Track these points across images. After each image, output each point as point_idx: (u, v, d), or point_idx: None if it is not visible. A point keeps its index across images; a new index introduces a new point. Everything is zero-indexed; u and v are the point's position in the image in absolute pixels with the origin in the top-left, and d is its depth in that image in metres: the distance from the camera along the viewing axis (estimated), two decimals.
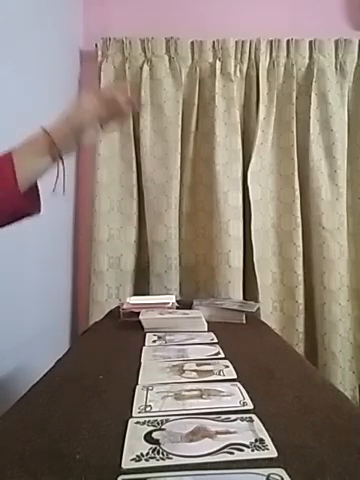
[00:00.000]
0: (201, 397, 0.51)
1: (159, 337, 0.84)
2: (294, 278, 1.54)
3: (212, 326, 0.91)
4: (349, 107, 1.61)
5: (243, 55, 1.60)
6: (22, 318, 1.09)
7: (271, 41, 1.60)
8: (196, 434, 0.41)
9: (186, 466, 0.36)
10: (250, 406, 0.48)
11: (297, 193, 1.56)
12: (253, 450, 0.38)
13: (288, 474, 0.34)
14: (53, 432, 0.43)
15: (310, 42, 1.60)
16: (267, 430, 0.42)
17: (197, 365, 0.64)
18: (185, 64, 1.61)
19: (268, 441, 0.40)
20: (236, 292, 1.47)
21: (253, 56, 1.60)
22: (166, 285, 1.51)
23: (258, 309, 1.19)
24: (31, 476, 0.35)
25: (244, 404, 0.49)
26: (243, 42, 1.59)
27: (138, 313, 0.97)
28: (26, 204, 0.58)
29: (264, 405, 0.49)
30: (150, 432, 0.42)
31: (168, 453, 0.38)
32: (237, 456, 0.37)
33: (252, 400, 0.50)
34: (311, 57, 1.60)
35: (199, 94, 1.60)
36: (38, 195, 0.63)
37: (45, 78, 1.28)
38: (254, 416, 0.45)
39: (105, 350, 0.79)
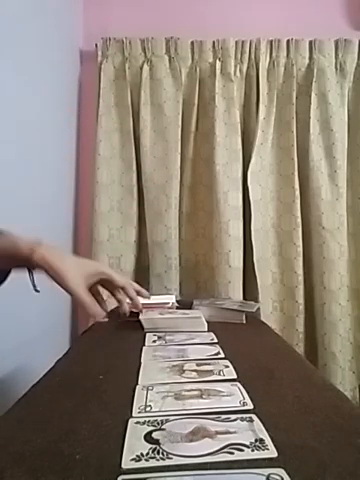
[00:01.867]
0: (201, 397, 0.51)
1: (159, 337, 0.84)
2: (294, 278, 1.54)
3: (212, 326, 0.91)
4: (349, 107, 1.61)
5: (243, 55, 1.60)
6: (22, 318, 1.09)
7: (271, 41, 1.60)
8: (196, 434, 0.41)
9: (186, 466, 0.36)
10: (250, 406, 0.48)
11: (297, 193, 1.56)
12: (253, 450, 0.38)
13: (288, 474, 0.34)
14: (53, 432, 0.43)
15: (310, 42, 1.60)
16: (267, 430, 0.42)
17: (197, 365, 0.64)
18: (185, 64, 1.61)
19: (268, 441, 0.40)
20: (236, 292, 1.47)
21: (253, 56, 1.60)
22: (166, 285, 1.51)
23: (258, 309, 1.19)
24: (31, 476, 0.35)
25: (244, 404, 0.49)
26: (243, 42, 1.59)
27: (138, 313, 0.97)
28: None
29: (264, 405, 0.49)
30: (150, 432, 0.42)
31: (168, 453, 0.38)
32: (237, 456, 0.37)
33: (252, 400, 0.50)
34: (311, 57, 1.60)
35: (199, 94, 1.60)
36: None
37: (45, 78, 1.28)
38: (254, 416, 0.45)
39: (105, 350, 0.79)
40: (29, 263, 0.55)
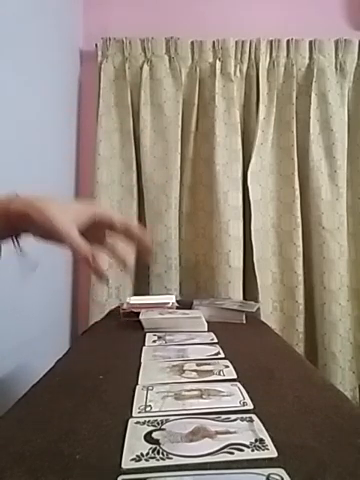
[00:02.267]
0: (201, 397, 0.51)
1: (159, 337, 0.84)
2: (294, 278, 1.54)
3: (212, 326, 0.91)
4: (349, 107, 1.61)
5: (243, 55, 1.60)
6: (22, 318, 1.09)
7: (271, 41, 1.60)
8: (196, 434, 0.41)
9: (186, 466, 0.36)
10: (250, 406, 0.48)
11: (297, 193, 1.56)
12: (253, 450, 0.38)
13: (288, 474, 0.34)
14: (53, 432, 0.43)
15: (310, 42, 1.60)
16: (267, 430, 0.42)
17: (197, 365, 0.64)
18: (185, 64, 1.61)
19: (268, 441, 0.40)
20: (236, 292, 1.47)
21: (253, 56, 1.60)
22: (166, 285, 1.51)
23: (258, 309, 1.19)
24: (31, 476, 0.35)
25: (244, 404, 0.49)
26: (243, 42, 1.59)
27: (138, 313, 0.97)
28: None
29: (264, 405, 0.49)
30: (150, 432, 0.42)
31: (168, 453, 0.38)
32: (237, 456, 0.37)
33: (252, 400, 0.50)
34: (311, 57, 1.60)
35: (199, 94, 1.60)
36: None
37: (45, 78, 1.28)
38: (254, 416, 0.45)
39: (105, 350, 0.79)
40: (7, 217, 0.46)
